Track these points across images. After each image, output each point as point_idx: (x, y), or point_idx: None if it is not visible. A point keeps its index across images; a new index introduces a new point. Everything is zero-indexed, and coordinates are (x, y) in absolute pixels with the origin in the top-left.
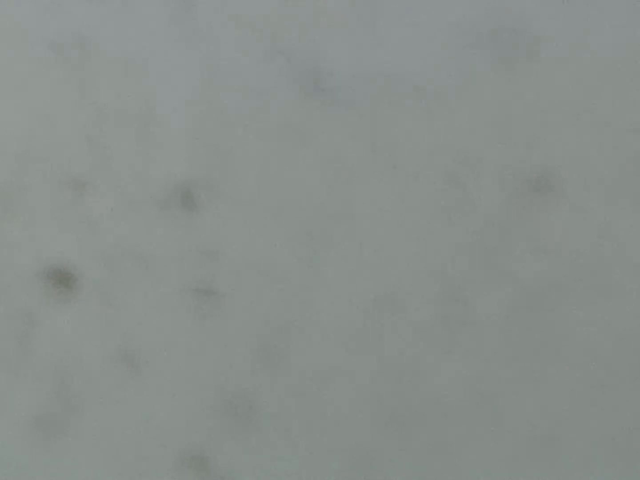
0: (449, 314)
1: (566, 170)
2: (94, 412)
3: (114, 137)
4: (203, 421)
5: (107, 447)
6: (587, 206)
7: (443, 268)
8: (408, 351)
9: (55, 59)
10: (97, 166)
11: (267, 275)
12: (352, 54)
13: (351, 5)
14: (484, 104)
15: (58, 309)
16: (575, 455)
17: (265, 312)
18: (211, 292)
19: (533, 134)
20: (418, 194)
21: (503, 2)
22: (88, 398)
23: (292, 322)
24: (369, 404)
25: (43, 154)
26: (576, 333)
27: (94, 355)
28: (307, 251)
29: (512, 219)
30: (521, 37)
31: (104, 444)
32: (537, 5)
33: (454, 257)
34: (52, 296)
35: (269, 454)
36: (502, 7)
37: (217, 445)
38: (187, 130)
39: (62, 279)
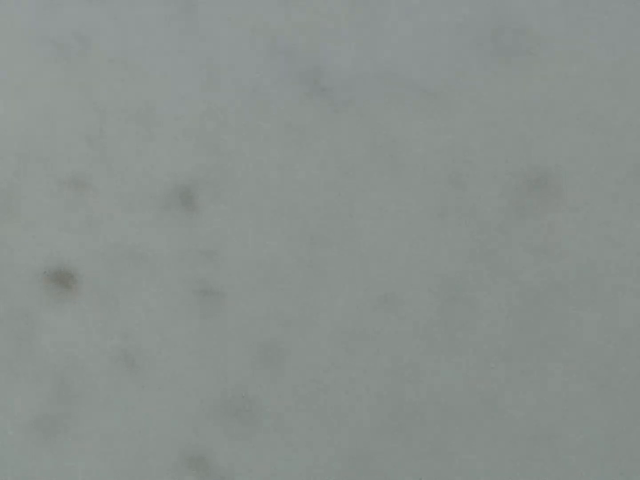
0: (449, 314)
1: (566, 170)
2: (94, 412)
3: (114, 137)
4: (203, 421)
5: (107, 447)
6: (587, 206)
7: (443, 268)
8: (408, 351)
9: (56, 59)
10: (97, 166)
11: (267, 275)
12: (352, 54)
13: (351, 5)
14: (484, 104)
15: (58, 309)
16: (575, 455)
17: (265, 312)
18: (211, 292)
19: (533, 134)
20: (418, 194)
21: (503, 2)
22: (88, 398)
23: (292, 322)
24: (369, 404)
25: (43, 154)
26: (576, 333)
27: (94, 355)
28: (307, 251)
29: (512, 219)
30: (521, 37)
31: (104, 444)
32: (537, 5)
33: (454, 257)
34: (52, 296)
35: (269, 454)
36: (502, 7)
37: (217, 445)
38: (187, 130)
39: (62, 279)
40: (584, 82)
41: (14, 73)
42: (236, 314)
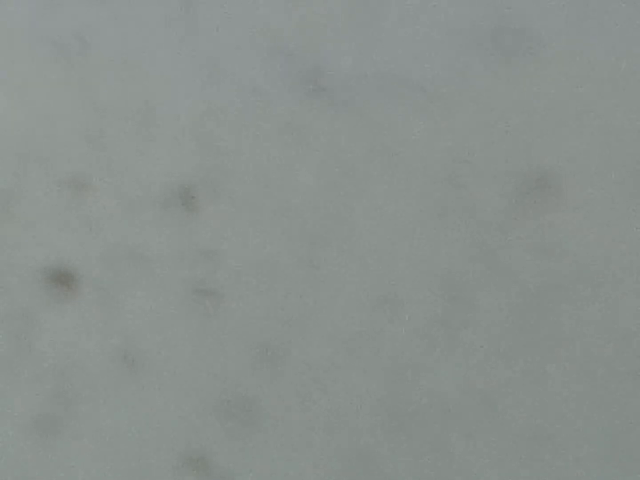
0: (449, 314)
1: (566, 170)
2: (94, 412)
3: (114, 137)
4: (203, 421)
5: (107, 447)
6: (587, 206)
7: (443, 268)
8: (408, 351)
9: (56, 59)
10: (97, 166)
11: (267, 275)
12: (352, 54)
13: (351, 5)
14: (484, 104)
15: (58, 309)
16: (575, 455)
17: (265, 312)
18: (211, 292)
19: (533, 134)
20: (418, 194)
21: (503, 2)
22: (88, 398)
23: (292, 322)
24: (369, 404)
25: (43, 154)
26: (576, 333)
27: (94, 355)
28: (307, 251)
29: (512, 219)
30: (521, 37)
31: (103, 444)
32: (537, 5)
33: (454, 257)
34: (52, 296)
35: (269, 454)
36: (502, 7)
37: (217, 446)
38: (187, 130)
39: (62, 279)
40: (584, 82)
41: (14, 73)
42: (236, 314)
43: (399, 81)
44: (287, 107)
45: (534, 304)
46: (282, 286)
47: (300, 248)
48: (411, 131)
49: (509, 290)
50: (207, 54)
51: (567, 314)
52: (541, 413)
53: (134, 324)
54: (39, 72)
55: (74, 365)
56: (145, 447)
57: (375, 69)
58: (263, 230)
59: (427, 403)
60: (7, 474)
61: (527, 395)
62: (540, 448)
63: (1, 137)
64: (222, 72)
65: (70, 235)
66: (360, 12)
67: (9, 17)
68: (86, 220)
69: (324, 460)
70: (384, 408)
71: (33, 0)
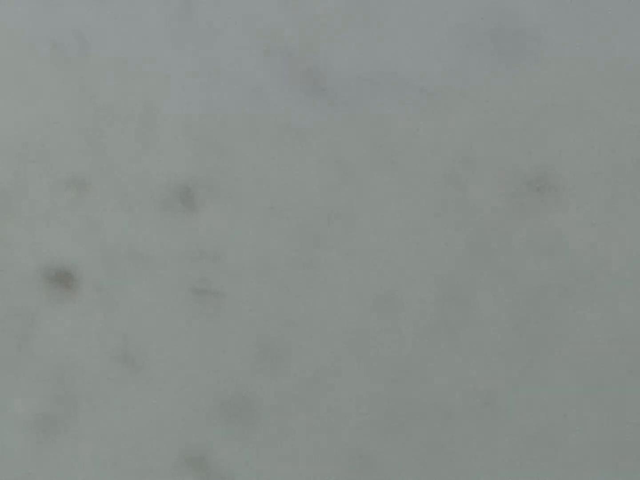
0: (449, 314)
1: (566, 170)
2: (94, 412)
3: (114, 137)
4: (203, 421)
5: (107, 447)
6: (587, 206)
7: (443, 268)
8: (408, 351)
9: (55, 58)
10: (97, 166)
11: (267, 275)
12: (352, 54)
13: (351, 5)
14: (484, 104)
15: (58, 309)
16: (575, 455)
17: (265, 312)
18: (211, 292)
19: (533, 133)
20: (418, 194)
21: (503, 2)
22: (88, 398)
23: (292, 322)
24: (369, 404)
25: (43, 154)
26: (576, 333)
27: (94, 355)
28: (307, 251)
29: (512, 219)
30: (521, 37)
31: (104, 444)
32: (537, 5)
33: (454, 257)
34: (52, 296)
35: (269, 454)
36: (502, 7)
37: (217, 445)
38: (187, 130)
39: (62, 279)
40: (583, 82)
41: (13, 73)
42: (236, 313)
43: (399, 81)
44: (287, 107)
45: (534, 304)
46: (282, 286)
47: (300, 248)
48: (411, 131)
49: (509, 290)
50: (207, 54)
51: (567, 314)
52: (541, 413)
53: (134, 324)
54: (38, 72)
55: (74, 365)
56: (145, 447)
57: (375, 69)
58: (263, 230)
59: (427, 403)
60: (7, 474)
61: (527, 395)
62: (541, 448)
63: (1, 137)
64: (221, 72)
65: (70, 235)
66: (360, 12)
67: (9, 17)
68: (86, 220)
69: (324, 460)
70: (384, 408)
71: (33, 0)
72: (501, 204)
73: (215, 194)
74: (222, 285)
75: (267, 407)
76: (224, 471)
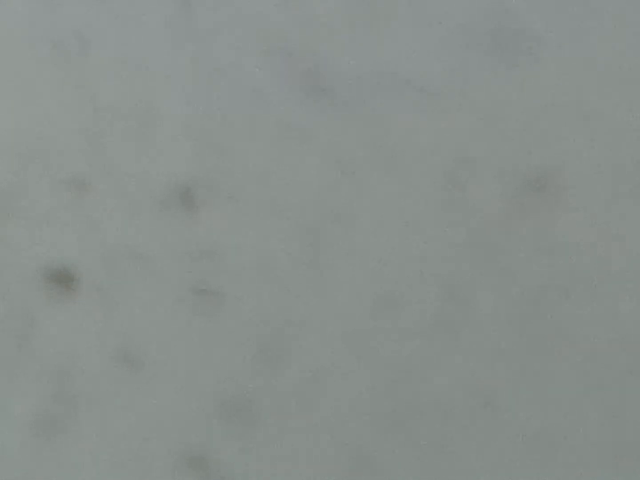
0: (449, 314)
1: (566, 170)
2: (94, 412)
3: (114, 137)
4: (203, 421)
5: (107, 447)
6: (587, 206)
7: (443, 268)
8: (408, 351)
9: (55, 58)
10: (97, 166)
11: (267, 275)
12: (352, 54)
13: (351, 5)
14: (484, 104)
15: (58, 309)
16: (575, 456)
17: (265, 312)
18: (211, 292)
19: (533, 133)
20: (418, 194)
21: (503, 2)
22: (88, 398)
23: (292, 322)
24: (369, 404)
25: (43, 153)
26: (576, 333)
27: (94, 355)
28: (307, 251)
29: (512, 218)
30: (521, 37)
31: (104, 444)
32: (537, 5)
33: (454, 257)
34: (52, 296)
35: (269, 454)
36: (502, 7)
37: (217, 445)
38: (187, 130)
39: (62, 279)
40: (583, 82)
41: (13, 73)
42: (236, 314)
43: (399, 81)
44: (287, 107)
45: (534, 304)
46: (282, 286)
47: (301, 248)
48: (411, 131)
49: (509, 290)
50: (207, 54)
51: (567, 313)
52: (541, 413)
53: (134, 323)
54: (38, 72)
55: (74, 365)
56: (145, 447)
57: (375, 69)
58: (263, 230)
59: (427, 403)
60: (7, 474)
61: (527, 395)
62: (541, 448)
63: (1, 137)
64: (221, 72)
65: (70, 235)
66: (361, 12)
67: (9, 17)
68: (86, 220)
69: (324, 460)
70: (384, 408)
71: (33, 0)
72: (501, 203)
73: (215, 194)
74: (222, 285)
75: (267, 407)
76: (224, 471)
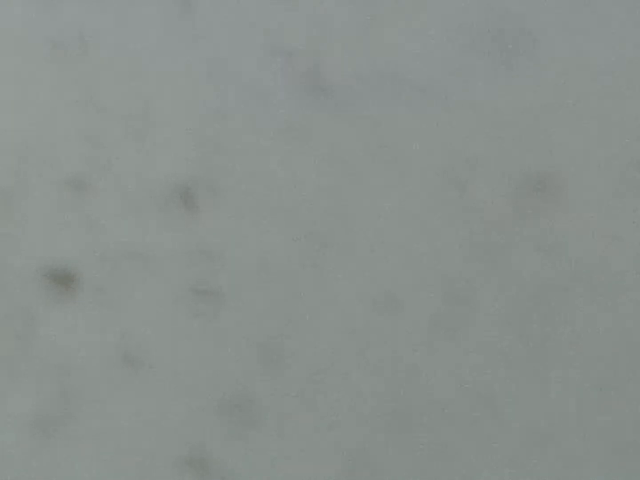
0: (450, 314)
1: (566, 170)
2: (94, 412)
3: (114, 137)
4: (203, 421)
5: (106, 447)
6: (587, 206)
7: (444, 268)
8: (408, 351)
9: (55, 58)
10: (97, 166)
11: (267, 275)
12: (352, 54)
13: (351, 6)
14: (484, 104)
15: (58, 309)
16: (575, 455)
17: (265, 312)
18: (211, 292)
19: (533, 134)
20: (418, 194)
21: (503, 2)
22: (88, 398)
23: (293, 322)
24: (369, 404)
25: (43, 154)
26: (577, 333)
27: (94, 355)
28: (307, 251)
29: (512, 219)
30: (521, 37)
31: (103, 444)
32: (537, 5)
33: (454, 257)
34: (52, 296)
35: (269, 454)
36: (502, 7)
37: (217, 446)
38: (187, 130)
39: (62, 279)
40: (583, 82)
41: (14, 72)
42: (236, 313)
43: (399, 81)
44: (287, 107)
45: (534, 304)
46: (282, 286)
47: (301, 248)
48: (411, 131)
49: (509, 290)
50: (207, 54)
51: (567, 313)
52: (541, 413)
53: (134, 323)
54: (38, 72)
55: (74, 365)
56: (145, 447)
57: (375, 69)
58: (263, 230)
59: (427, 403)
60: (7, 474)
61: (527, 395)
62: (541, 448)
63: (1, 137)
64: (222, 72)
65: (70, 235)
66: (361, 12)
67: (9, 17)
68: (86, 220)
69: (324, 460)
70: (384, 408)
71: (33, 0)
72: (502, 204)
73: (215, 193)
74: (222, 285)
75: (267, 407)
76: (224, 471)
